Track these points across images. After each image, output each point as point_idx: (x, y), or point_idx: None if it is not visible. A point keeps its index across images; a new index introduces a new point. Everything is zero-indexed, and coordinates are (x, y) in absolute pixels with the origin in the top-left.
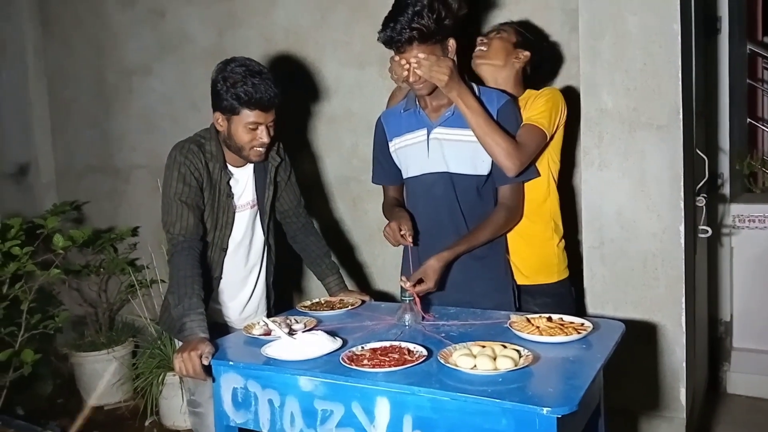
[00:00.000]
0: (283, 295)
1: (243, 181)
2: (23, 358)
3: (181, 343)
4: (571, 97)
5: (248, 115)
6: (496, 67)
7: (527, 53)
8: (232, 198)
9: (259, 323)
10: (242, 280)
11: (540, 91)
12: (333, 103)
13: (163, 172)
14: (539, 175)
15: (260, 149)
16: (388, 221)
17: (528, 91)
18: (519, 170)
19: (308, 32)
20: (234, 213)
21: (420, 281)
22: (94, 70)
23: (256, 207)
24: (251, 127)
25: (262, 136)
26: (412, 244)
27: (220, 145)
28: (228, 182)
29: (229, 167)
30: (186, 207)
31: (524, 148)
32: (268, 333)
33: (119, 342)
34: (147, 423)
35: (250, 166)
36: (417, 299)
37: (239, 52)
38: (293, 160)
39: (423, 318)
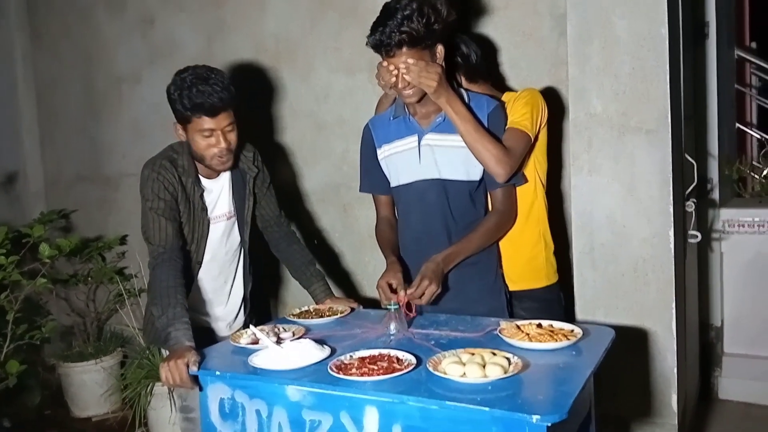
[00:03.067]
0: (260, 306)
1: (217, 192)
2: (8, 370)
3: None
4: (560, 101)
5: (199, 123)
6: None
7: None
8: (206, 211)
9: (246, 332)
10: (216, 291)
11: (518, 93)
12: (323, 110)
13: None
14: (527, 181)
15: (220, 158)
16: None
17: (507, 93)
18: (509, 175)
19: (298, 39)
20: (208, 225)
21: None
22: (84, 78)
23: (233, 218)
24: (206, 134)
25: (219, 141)
26: (402, 301)
27: (191, 158)
28: (201, 196)
29: (203, 180)
30: (164, 219)
31: (512, 152)
32: (255, 342)
33: (107, 352)
34: None
35: (225, 177)
36: (404, 308)
37: (229, 60)
38: (282, 167)
39: (408, 327)
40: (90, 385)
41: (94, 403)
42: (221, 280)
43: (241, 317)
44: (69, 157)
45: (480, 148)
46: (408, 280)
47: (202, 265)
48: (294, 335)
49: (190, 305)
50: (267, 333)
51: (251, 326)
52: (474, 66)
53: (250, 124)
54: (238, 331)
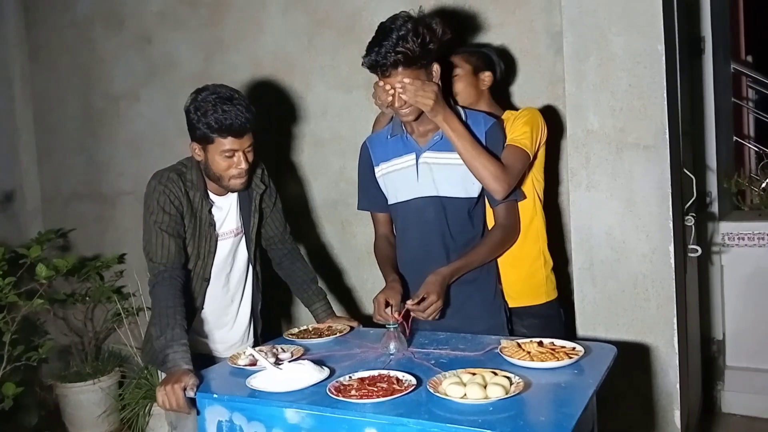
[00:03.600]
0: (271, 323)
1: (225, 209)
2: (4, 392)
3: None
4: (557, 118)
5: (222, 143)
6: (473, 104)
7: (488, 73)
8: (214, 227)
9: (244, 353)
10: (223, 309)
11: (519, 111)
12: (321, 127)
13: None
14: (525, 197)
15: (239, 178)
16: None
17: (507, 112)
18: (507, 193)
19: (295, 57)
20: (216, 242)
21: (422, 300)
22: (81, 95)
23: (240, 235)
24: (227, 155)
25: (240, 162)
26: (397, 321)
27: (201, 173)
28: (210, 211)
29: (211, 195)
30: (167, 235)
31: (510, 169)
32: (254, 363)
33: (105, 372)
34: None
35: (233, 194)
36: (406, 325)
37: (226, 77)
38: (281, 184)
39: (408, 346)
40: (87, 405)
41: (92, 424)
42: (227, 299)
43: (250, 337)
44: (66, 175)
45: (477, 165)
46: (407, 299)
47: (210, 282)
48: (293, 355)
49: (195, 328)
50: (266, 354)
51: (248, 347)
52: (497, 81)
53: None
54: (237, 352)
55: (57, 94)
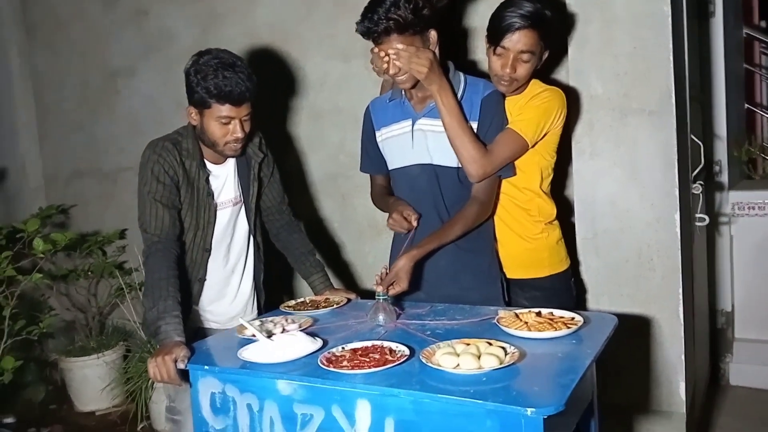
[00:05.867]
0: (272, 296)
1: (223, 178)
2: (3, 366)
3: None
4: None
5: (219, 109)
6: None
7: (546, 53)
8: (212, 196)
9: (252, 324)
10: (224, 280)
11: (540, 92)
12: (319, 98)
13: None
14: (514, 174)
15: (234, 144)
16: (381, 210)
17: (533, 82)
18: (481, 178)
19: (292, 27)
20: (215, 211)
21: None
22: (79, 72)
23: (239, 204)
24: (224, 122)
25: (236, 131)
26: (414, 228)
27: (197, 141)
28: (207, 179)
29: (208, 164)
30: (161, 206)
31: (493, 156)
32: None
33: (109, 346)
34: (139, 428)
35: (231, 162)
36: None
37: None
38: (280, 157)
39: (397, 317)
40: (92, 379)
41: (97, 398)
42: (228, 270)
43: (254, 309)
44: (67, 153)
45: (458, 144)
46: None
47: (211, 253)
48: (301, 327)
49: (196, 300)
50: (275, 324)
51: (240, 319)
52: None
53: None
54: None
55: (55, 72)
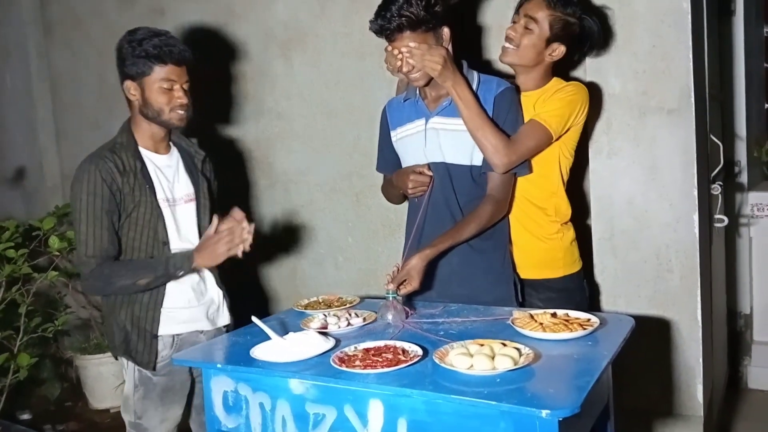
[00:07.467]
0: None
1: (173, 168)
2: (19, 363)
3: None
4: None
5: (159, 72)
6: (524, 67)
7: (563, 48)
8: (152, 187)
9: (317, 317)
10: (194, 285)
11: (563, 86)
12: (334, 97)
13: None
14: (530, 171)
15: (180, 111)
16: (390, 198)
17: (554, 80)
18: (507, 168)
19: (308, 25)
20: (158, 204)
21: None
22: (96, 71)
23: (193, 201)
24: (166, 86)
25: (180, 95)
26: (429, 186)
27: (131, 133)
28: (142, 169)
29: (150, 154)
30: (96, 222)
31: (518, 145)
32: (325, 327)
33: None
34: None
35: (175, 155)
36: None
37: (239, 47)
38: (293, 156)
39: (407, 316)
40: (107, 377)
41: (112, 395)
42: (195, 274)
43: (224, 312)
44: (84, 151)
45: (480, 137)
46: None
47: (171, 247)
48: (365, 321)
49: (162, 304)
50: (340, 318)
51: (320, 313)
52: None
53: (260, 112)
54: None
55: (73, 70)
